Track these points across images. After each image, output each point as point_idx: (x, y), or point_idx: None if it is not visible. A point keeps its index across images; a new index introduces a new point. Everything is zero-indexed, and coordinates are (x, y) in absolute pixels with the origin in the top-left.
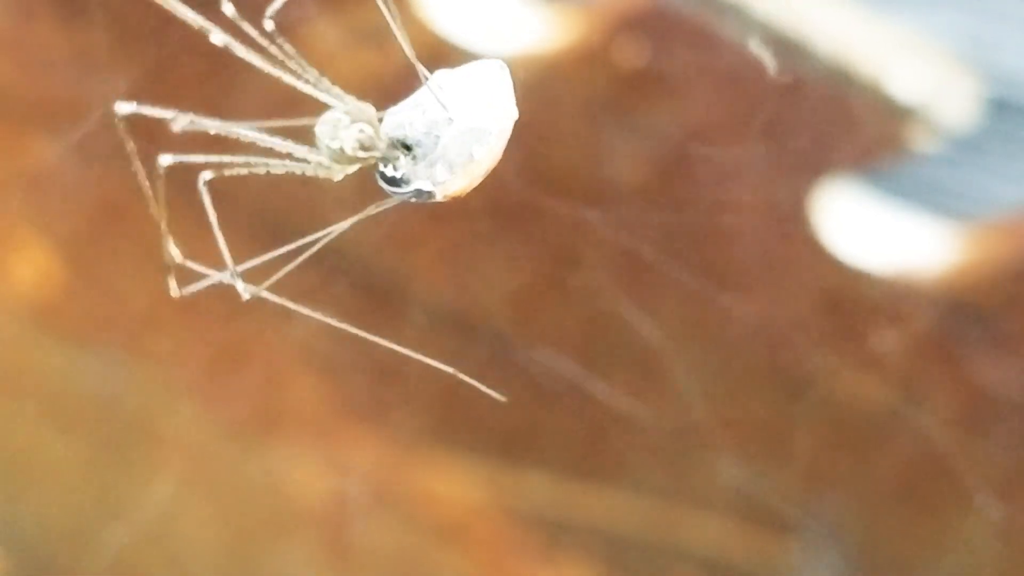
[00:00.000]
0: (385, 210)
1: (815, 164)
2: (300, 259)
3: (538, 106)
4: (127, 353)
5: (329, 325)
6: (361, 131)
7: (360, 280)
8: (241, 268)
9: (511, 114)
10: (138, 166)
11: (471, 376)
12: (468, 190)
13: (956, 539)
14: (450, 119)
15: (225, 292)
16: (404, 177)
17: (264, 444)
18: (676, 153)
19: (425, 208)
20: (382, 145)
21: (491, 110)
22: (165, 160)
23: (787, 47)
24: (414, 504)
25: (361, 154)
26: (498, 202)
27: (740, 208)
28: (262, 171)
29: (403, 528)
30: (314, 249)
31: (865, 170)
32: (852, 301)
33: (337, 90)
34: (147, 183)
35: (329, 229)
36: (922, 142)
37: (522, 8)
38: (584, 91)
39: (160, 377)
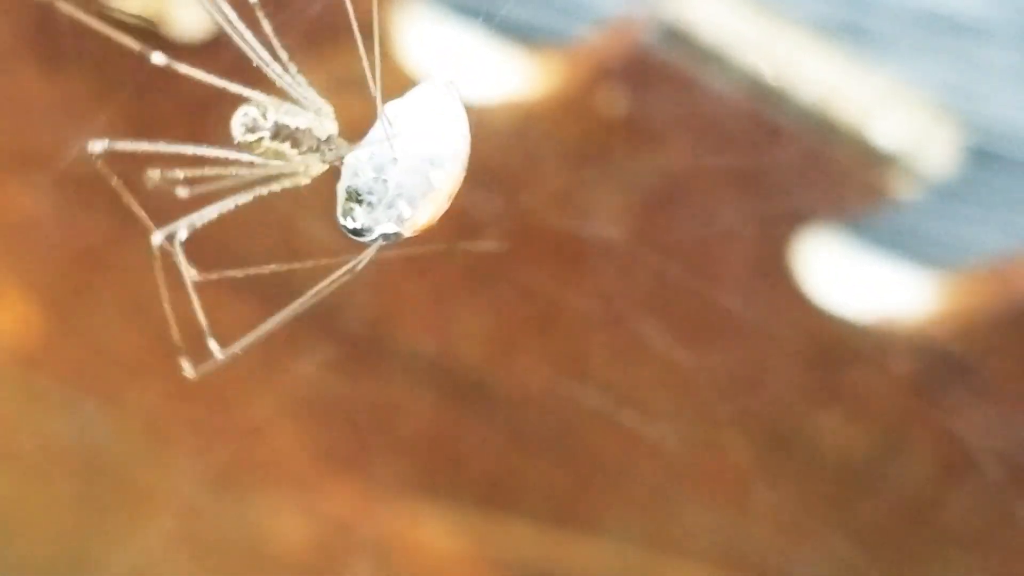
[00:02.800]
0: (368, 262)
1: (796, 213)
2: (280, 318)
3: (519, 154)
4: (108, 403)
5: (309, 377)
6: (255, 118)
7: (341, 328)
8: (241, 344)
9: (464, 134)
10: (128, 198)
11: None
12: (437, 218)
13: None
14: (394, 158)
15: (203, 339)
16: (364, 226)
17: (246, 493)
18: (657, 203)
19: (407, 260)
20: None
21: (442, 134)
22: (157, 239)
23: (768, 95)
24: (396, 553)
25: (278, 146)
26: (480, 254)
27: (721, 257)
28: (232, 205)
29: None
30: (297, 310)
31: (847, 218)
32: (834, 349)
33: (304, 84)
34: (135, 206)
35: (315, 290)
36: (903, 191)
37: (503, 56)
38: (565, 139)
39: (142, 427)
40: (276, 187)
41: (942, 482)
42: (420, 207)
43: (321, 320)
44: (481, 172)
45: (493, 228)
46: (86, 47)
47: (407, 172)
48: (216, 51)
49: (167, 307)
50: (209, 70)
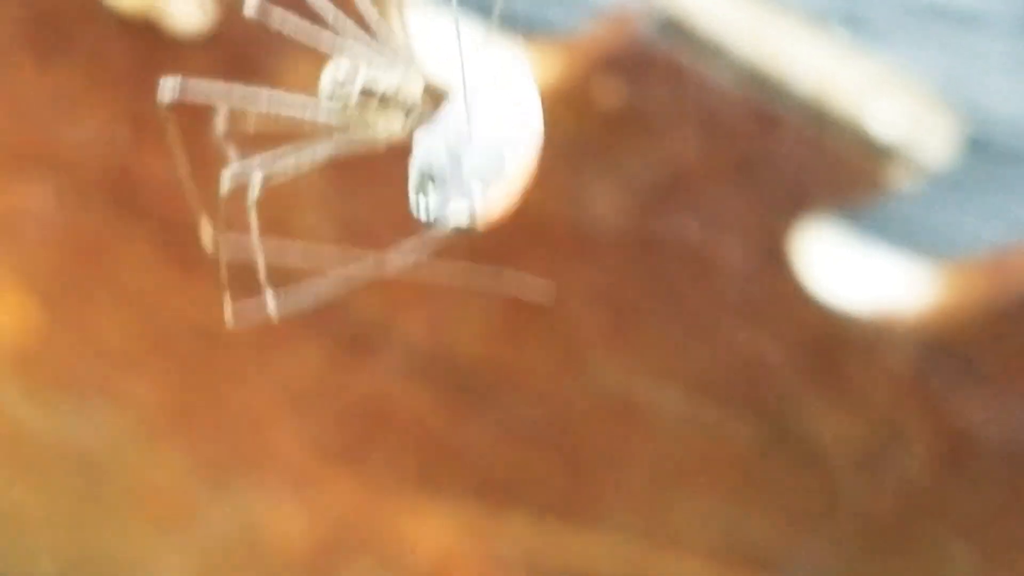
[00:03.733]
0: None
1: (794, 203)
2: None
3: None
4: (104, 397)
5: (306, 370)
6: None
7: (338, 323)
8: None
9: (535, 109)
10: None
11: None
12: (509, 212)
13: None
14: (468, 137)
15: (204, 334)
16: (437, 220)
17: (243, 489)
18: (655, 194)
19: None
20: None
21: (515, 112)
22: (227, 174)
23: (764, 86)
24: (394, 550)
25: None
26: (476, 245)
27: (719, 249)
28: (308, 163)
29: (383, 574)
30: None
31: (844, 209)
32: (833, 341)
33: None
34: (189, 183)
35: (375, 260)
36: (901, 181)
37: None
38: (563, 131)
39: (138, 421)
40: (354, 147)
41: (942, 472)
42: (491, 199)
43: (318, 314)
44: None
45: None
46: (83, 40)
47: (480, 154)
48: (217, 44)
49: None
50: (215, 63)
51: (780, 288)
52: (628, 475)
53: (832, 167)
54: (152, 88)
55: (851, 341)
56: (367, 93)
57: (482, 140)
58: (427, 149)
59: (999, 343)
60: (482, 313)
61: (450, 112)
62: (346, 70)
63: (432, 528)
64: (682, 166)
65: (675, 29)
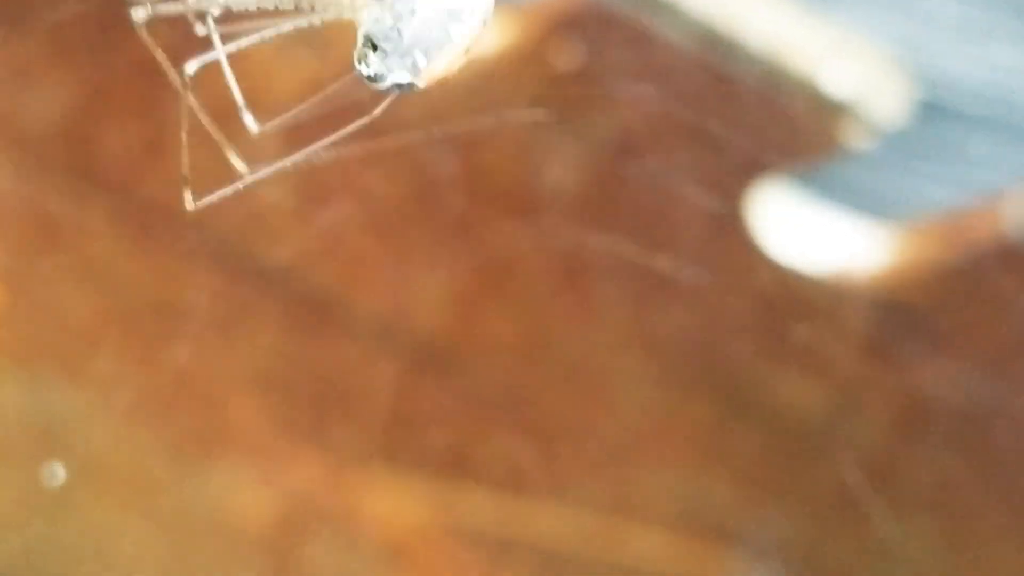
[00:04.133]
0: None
1: (750, 165)
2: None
3: (474, 110)
4: (65, 373)
5: (267, 344)
6: None
7: (299, 295)
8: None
9: None
10: (171, 73)
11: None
12: (453, 72)
13: (898, 550)
14: (412, 9)
15: (166, 308)
16: (378, 74)
17: (205, 466)
18: (613, 157)
19: (363, 219)
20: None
21: None
22: (191, 67)
23: (720, 46)
24: (357, 524)
25: None
26: (435, 211)
27: (677, 212)
28: (273, 34)
29: (346, 549)
30: (317, 152)
31: (800, 170)
32: (789, 304)
33: None
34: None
35: (337, 135)
36: (856, 142)
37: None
38: (520, 95)
39: (100, 397)
40: (319, 17)
41: (899, 439)
42: (436, 58)
43: (278, 287)
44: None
45: (451, 186)
46: (41, 11)
47: (425, 23)
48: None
49: (183, 136)
50: (175, 33)
51: (736, 251)
52: (590, 447)
53: (787, 129)
54: (111, 58)
55: (807, 304)
56: None
57: (426, 12)
58: (373, 18)
59: (954, 304)
60: (443, 282)
61: None
62: None
63: (395, 502)
64: (638, 127)
65: None
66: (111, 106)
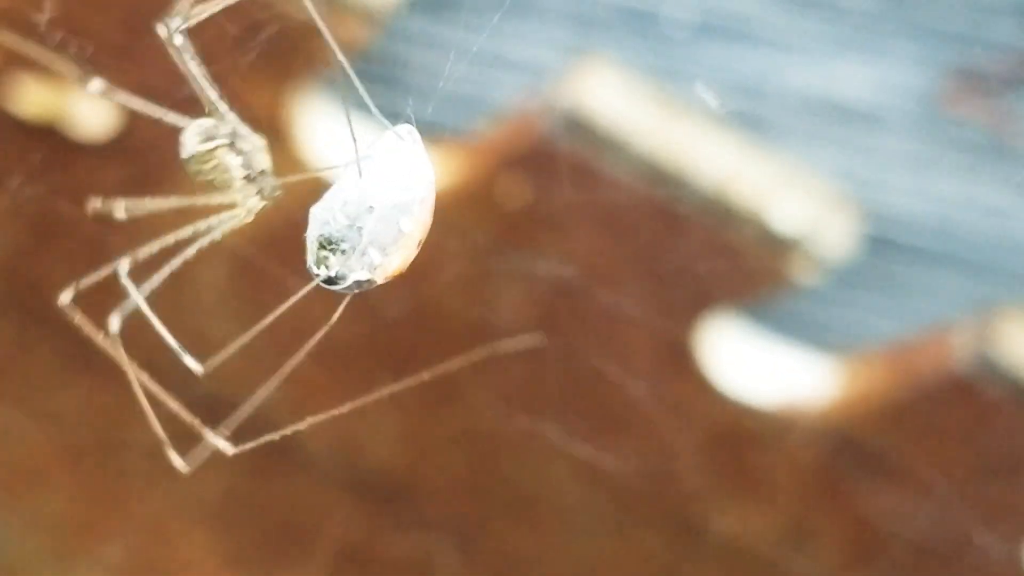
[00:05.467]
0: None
1: (699, 299)
2: (253, 332)
3: (423, 249)
4: (10, 512)
5: (219, 478)
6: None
7: (250, 429)
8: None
9: (429, 179)
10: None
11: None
12: (407, 264)
13: None
14: (370, 207)
15: (111, 444)
16: (339, 274)
17: None
18: (561, 294)
19: (314, 353)
20: (260, 168)
21: (408, 181)
22: (114, 324)
23: (668, 182)
24: None
25: (239, 172)
26: (387, 348)
27: (625, 345)
28: (183, 255)
29: None
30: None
31: (748, 304)
32: (739, 436)
33: (231, 111)
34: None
35: (285, 304)
36: (803, 276)
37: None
38: (468, 231)
39: (46, 536)
40: (220, 230)
41: (850, 568)
42: (391, 254)
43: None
44: None
45: (400, 321)
46: None
47: (380, 220)
48: (119, 148)
49: (140, 393)
50: (117, 168)
51: (686, 383)
52: None
53: (735, 262)
54: (56, 192)
55: (758, 436)
56: (235, 143)
57: (381, 209)
58: (324, 220)
59: (901, 436)
60: (393, 416)
61: (342, 186)
62: (210, 124)
63: None
64: (586, 262)
65: (578, 127)
66: (53, 241)
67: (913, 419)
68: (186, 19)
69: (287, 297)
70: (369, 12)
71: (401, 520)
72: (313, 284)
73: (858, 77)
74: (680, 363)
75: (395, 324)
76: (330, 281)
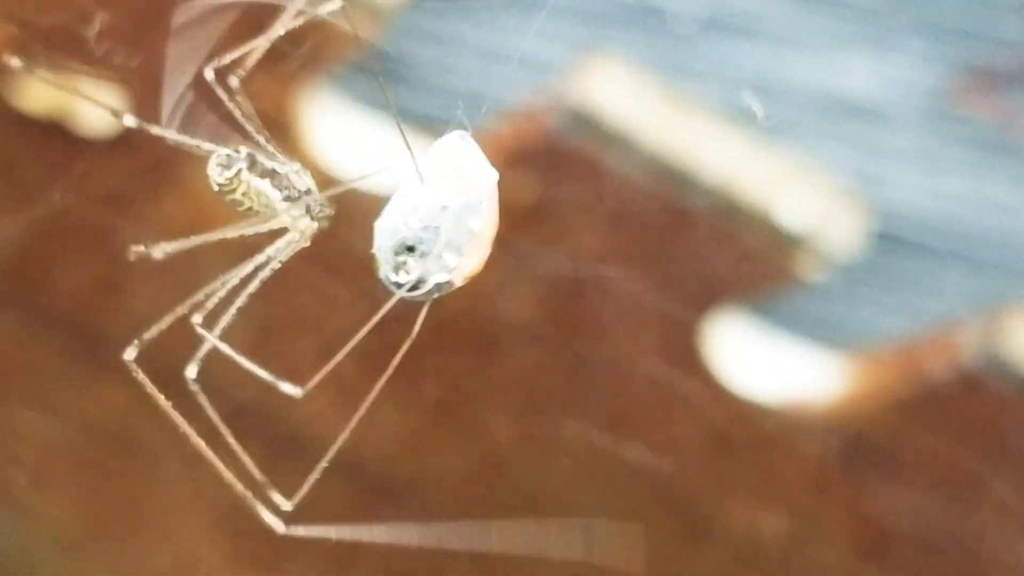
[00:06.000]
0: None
1: (705, 295)
2: (344, 352)
3: None
4: (15, 510)
5: (223, 478)
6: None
7: (254, 429)
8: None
9: (491, 176)
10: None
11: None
12: (482, 264)
13: None
14: (444, 207)
15: (117, 442)
16: (420, 279)
17: None
18: (569, 291)
19: (318, 349)
20: (307, 199)
21: (471, 181)
22: (191, 372)
23: (675, 179)
24: None
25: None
26: (394, 344)
27: (633, 342)
28: (248, 290)
29: None
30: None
31: (754, 302)
32: (746, 434)
33: (278, 153)
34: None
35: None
36: (810, 273)
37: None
38: None
39: (50, 534)
40: (278, 259)
41: (857, 566)
42: (466, 254)
43: (239, 423)
44: None
45: (405, 320)
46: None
47: (452, 223)
48: (127, 147)
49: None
50: (123, 163)
51: (693, 380)
52: None
53: (742, 260)
54: (59, 190)
55: (765, 432)
56: (256, 164)
57: (452, 207)
58: (393, 230)
59: (907, 432)
60: (398, 415)
61: (406, 194)
62: (227, 151)
63: None
64: (593, 259)
65: (586, 124)
66: (59, 240)
67: (921, 415)
68: (232, 63)
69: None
70: (378, 9)
71: (407, 518)
72: (398, 296)
73: (866, 73)
74: (688, 360)
75: (398, 320)
76: (410, 287)
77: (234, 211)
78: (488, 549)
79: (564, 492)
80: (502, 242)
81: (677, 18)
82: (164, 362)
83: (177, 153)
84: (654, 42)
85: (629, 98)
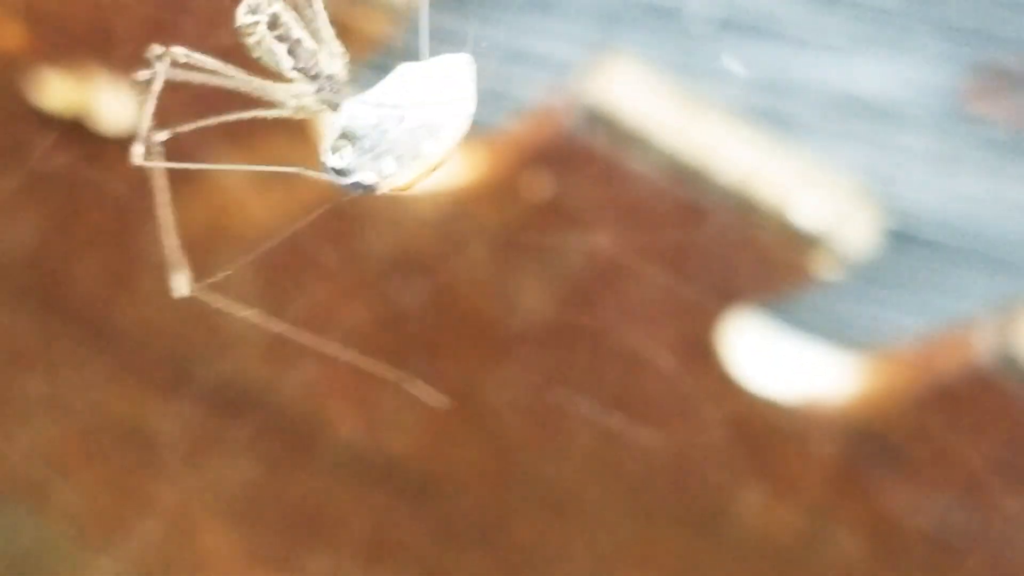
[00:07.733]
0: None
1: (721, 294)
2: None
3: (445, 243)
4: (31, 502)
5: (239, 471)
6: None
7: (270, 422)
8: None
9: (469, 113)
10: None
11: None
12: (415, 184)
13: None
14: (401, 116)
15: (134, 437)
16: (347, 168)
17: None
18: (584, 287)
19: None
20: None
21: (448, 105)
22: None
23: (690, 178)
24: None
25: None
26: (408, 340)
27: (648, 341)
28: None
29: None
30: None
31: (770, 300)
32: (761, 431)
33: (325, 22)
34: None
35: (291, 228)
36: (825, 272)
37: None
38: (491, 227)
39: (66, 527)
40: (267, 111)
41: (872, 566)
42: (404, 168)
43: (250, 415)
44: (406, 260)
45: (420, 315)
46: (10, 140)
47: (406, 132)
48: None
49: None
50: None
51: (708, 377)
52: (564, 571)
53: (757, 258)
54: (81, 189)
55: (780, 431)
56: (278, 23)
57: (411, 121)
58: (353, 114)
59: (923, 432)
60: (413, 409)
61: (386, 88)
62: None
63: None
64: (608, 257)
65: (602, 123)
66: (81, 237)
67: (935, 415)
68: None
69: None
70: (393, 7)
71: (421, 513)
72: (324, 174)
73: (881, 73)
74: (703, 358)
75: (414, 317)
76: (338, 172)
77: (249, 56)
78: (505, 547)
79: (579, 487)
80: (517, 239)
81: (693, 18)
82: None
83: (198, 147)
84: (670, 42)
85: (645, 97)
